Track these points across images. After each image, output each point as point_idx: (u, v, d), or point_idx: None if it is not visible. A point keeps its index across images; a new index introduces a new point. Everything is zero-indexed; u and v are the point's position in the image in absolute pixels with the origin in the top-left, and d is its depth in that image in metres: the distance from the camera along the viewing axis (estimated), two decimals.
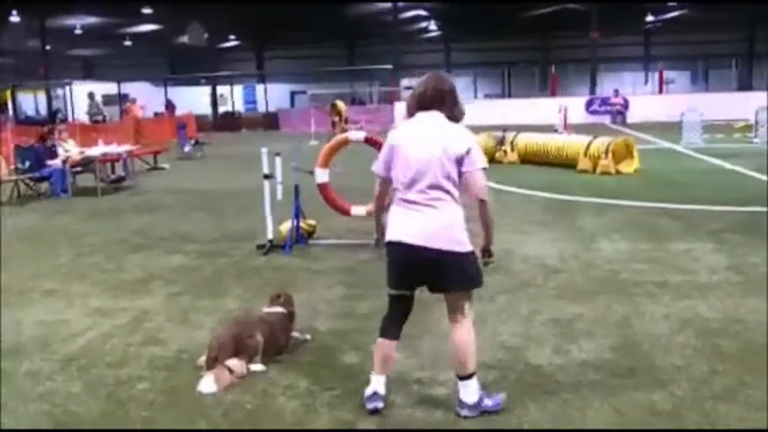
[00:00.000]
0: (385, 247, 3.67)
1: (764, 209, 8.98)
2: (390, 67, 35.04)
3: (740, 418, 3.48)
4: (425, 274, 3.57)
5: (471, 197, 3.55)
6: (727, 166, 13.88)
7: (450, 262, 3.50)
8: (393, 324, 3.73)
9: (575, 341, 4.55)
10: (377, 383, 3.64)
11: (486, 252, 3.71)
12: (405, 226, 3.53)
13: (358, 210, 7.52)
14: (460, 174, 3.50)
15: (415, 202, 3.52)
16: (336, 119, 23.65)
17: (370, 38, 46.15)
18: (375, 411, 3.60)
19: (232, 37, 50.49)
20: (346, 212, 7.58)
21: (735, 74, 43.11)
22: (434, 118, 3.58)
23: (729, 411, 3.56)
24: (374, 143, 7.44)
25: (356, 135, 7.44)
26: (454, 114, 3.62)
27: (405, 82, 37.09)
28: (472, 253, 3.58)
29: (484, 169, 3.54)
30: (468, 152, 3.49)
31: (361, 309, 5.35)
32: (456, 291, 3.62)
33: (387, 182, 3.68)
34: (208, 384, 3.94)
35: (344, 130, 25.70)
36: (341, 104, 24.81)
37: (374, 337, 3.77)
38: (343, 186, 8.36)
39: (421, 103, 3.63)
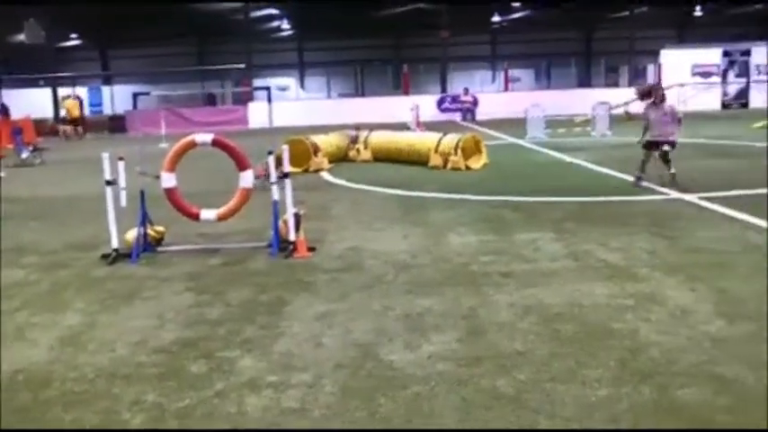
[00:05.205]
0: None
1: (598, 198, 9.69)
2: (243, 66, 34.50)
3: (577, 397, 3.67)
4: None
5: None
6: (567, 159, 14.71)
7: None
8: None
9: (424, 334, 4.66)
10: None
11: None
12: None
13: (207, 214, 7.33)
14: None
15: None
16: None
17: (221, 36, 45.25)
18: None
19: (74, 36, 47.97)
20: (195, 217, 7.37)
21: (575, 72, 45.75)
22: None
23: (567, 391, 3.75)
24: (223, 146, 7.28)
25: (203, 138, 7.23)
26: None
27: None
28: None
29: None
30: None
31: (211, 315, 5.22)
32: None
33: None
34: None
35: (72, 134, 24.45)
36: (68, 103, 23.21)
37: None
38: (192, 190, 8.15)
39: None
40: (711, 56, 35.47)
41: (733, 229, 7.47)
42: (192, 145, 7.24)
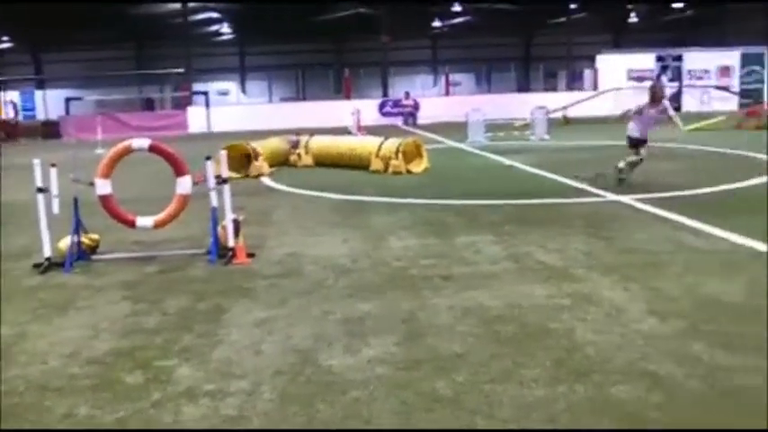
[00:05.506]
0: None
1: (536, 201, 9.85)
2: (182, 71, 34.01)
3: (514, 397, 3.71)
4: None
5: None
6: (507, 162, 14.92)
7: None
8: None
9: (364, 339, 4.65)
10: None
11: None
12: None
13: (144, 221, 7.19)
14: None
15: None
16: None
17: (160, 40, 44.53)
18: None
19: (5, 38, 46.61)
20: (131, 224, 7.22)
21: (514, 76, 46.46)
22: None
23: (505, 391, 3.79)
24: (160, 152, 7.14)
25: (139, 143, 7.09)
26: None
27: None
28: None
29: None
30: None
31: (148, 324, 5.12)
32: None
33: None
34: None
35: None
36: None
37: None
38: (129, 197, 7.99)
39: None
40: (646, 61, 36.46)
41: (666, 231, 7.68)
42: (128, 150, 7.10)
